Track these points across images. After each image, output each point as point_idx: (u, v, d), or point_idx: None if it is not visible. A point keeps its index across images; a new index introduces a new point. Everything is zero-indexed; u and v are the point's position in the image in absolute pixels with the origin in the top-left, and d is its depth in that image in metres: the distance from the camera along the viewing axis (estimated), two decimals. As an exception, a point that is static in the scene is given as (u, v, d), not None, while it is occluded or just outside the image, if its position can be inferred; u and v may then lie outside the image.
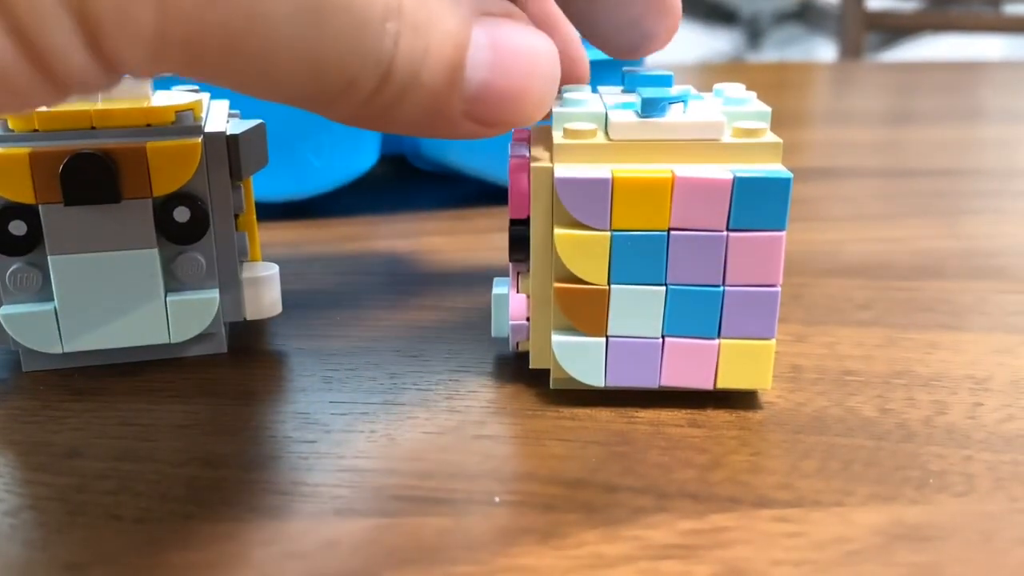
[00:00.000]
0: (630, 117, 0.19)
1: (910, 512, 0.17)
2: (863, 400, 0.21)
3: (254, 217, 0.24)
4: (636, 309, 0.20)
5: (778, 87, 0.69)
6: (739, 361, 0.20)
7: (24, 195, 0.20)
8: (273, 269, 0.24)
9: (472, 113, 0.16)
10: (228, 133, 0.22)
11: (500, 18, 0.16)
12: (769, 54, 1.83)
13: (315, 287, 0.28)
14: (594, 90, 0.22)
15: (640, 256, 0.19)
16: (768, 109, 0.20)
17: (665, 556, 0.16)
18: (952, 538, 0.16)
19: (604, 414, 0.20)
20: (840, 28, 1.37)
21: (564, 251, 0.19)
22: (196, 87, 0.24)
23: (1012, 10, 1.38)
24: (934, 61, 0.90)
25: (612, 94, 0.22)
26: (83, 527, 0.17)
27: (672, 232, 0.19)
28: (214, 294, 0.22)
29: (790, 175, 0.19)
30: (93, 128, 0.21)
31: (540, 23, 0.23)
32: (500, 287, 0.22)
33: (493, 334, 0.22)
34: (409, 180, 0.40)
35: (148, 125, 0.21)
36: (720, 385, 0.20)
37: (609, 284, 0.20)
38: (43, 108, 0.20)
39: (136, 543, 0.16)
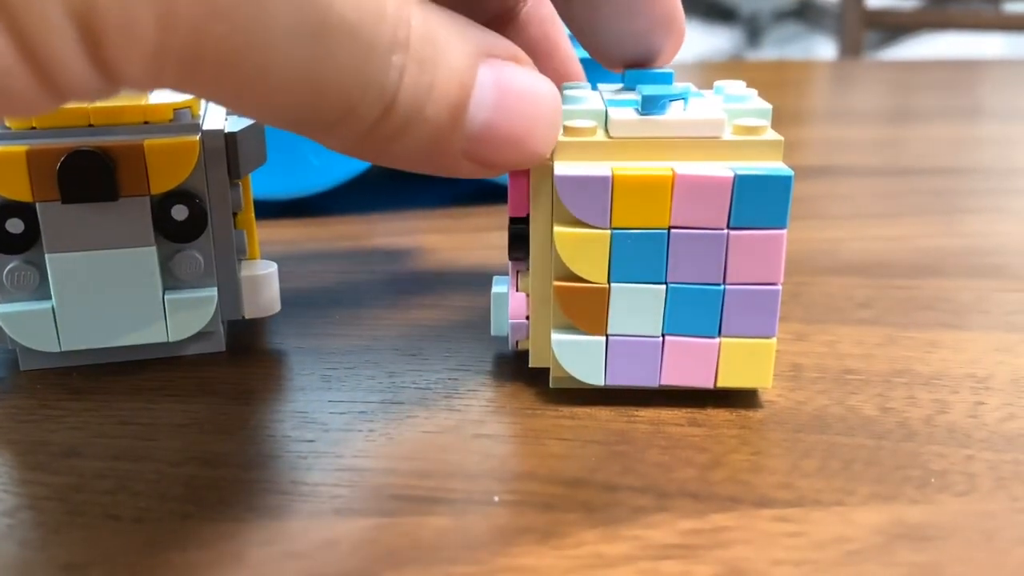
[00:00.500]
0: (630, 115, 0.19)
1: (911, 512, 0.17)
2: (864, 399, 0.21)
3: (252, 215, 0.24)
4: (636, 308, 0.20)
5: (777, 85, 0.69)
6: (740, 360, 0.20)
7: (21, 193, 0.20)
8: (271, 267, 0.24)
9: (473, 153, 0.16)
10: (226, 131, 0.22)
11: (506, 60, 0.16)
12: (768, 52, 1.83)
13: (314, 285, 0.28)
14: (594, 87, 0.22)
15: (640, 254, 0.19)
16: (769, 107, 0.20)
17: (665, 556, 0.16)
18: (953, 538, 0.16)
19: (604, 413, 0.20)
20: (840, 26, 1.37)
21: (564, 249, 0.19)
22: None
23: (1012, 8, 1.38)
24: (934, 59, 0.90)
25: (612, 91, 0.22)
26: (81, 527, 0.17)
27: (672, 230, 0.19)
28: (212, 292, 0.22)
29: (791, 173, 0.19)
30: (91, 126, 0.21)
31: (539, 44, 0.23)
32: (499, 286, 0.22)
33: (492, 332, 0.22)
34: (408, 178, 0.40)
35: (146, 123, 0.21)
36: (721, 384, 0.20)
37: (609, 282, 0.20)
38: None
39: (134, 543, 0.16)
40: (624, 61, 0.21)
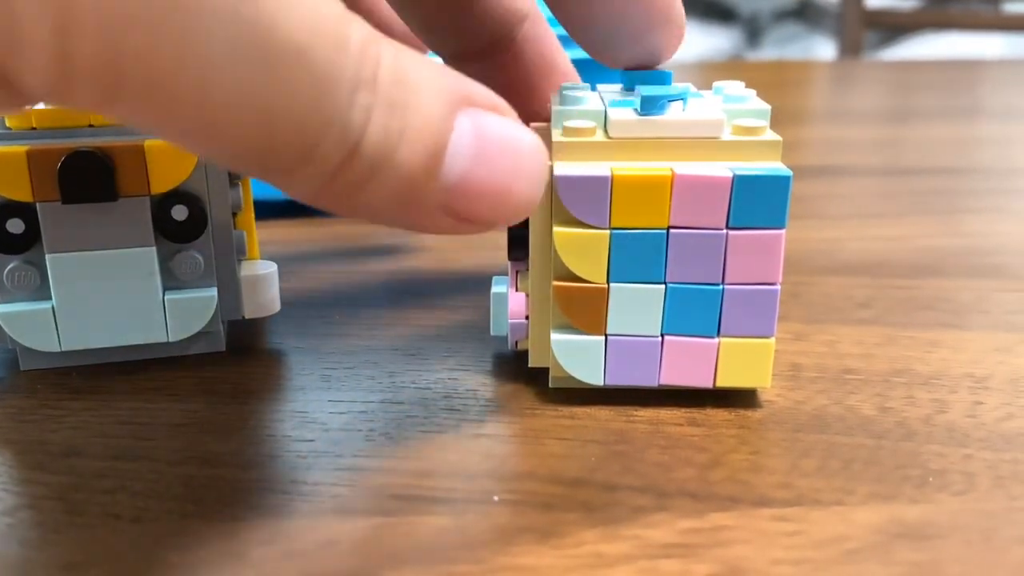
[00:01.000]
0: (629, 115, 0.19)
1: (910, 511, 0.17)
2: (863, 399, 0.21)
3: (252, 215, 0.24)
4: (635, 307, 0.20)
5: (777, 85, 0.69)
6: (739, 359, 0.20)
7: (21, 193, 0.20)
8: (271, 267, 0.24)
9: (450, 206, 0.15)
10: (226, 131, 0.22)
11: (486, 109, 0.15)
12: (768, 52, 1.83)
13: (313, 285, 0.28)
14: (593, 88, 0.22)
15: (639, 254, 0.19)
16: (767, 107, 0.20)
17: (664, 555, 0.16)
18: (952, 537, 0.16)
19: (603, 413, 0.20)
20: (839, 26, 1.37)
21: (563, 249, 0.19)
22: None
23: (1011, 8, 1.38)
24: (933, 59, 0.90)
25: (611, 92, 0.22)
26: (81, 526, 0.17)
27: (672, 230, 0.19)
28: (212, 292, 0.22)
29: (790, 173, 0.19)
30: (91, 126, 0.21)
31: (537, 65, 0.23)
32: (499, 286, 0.22)
33: (492, 332, 0.22)
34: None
35: (146, 123, 0.21)
36: (720, 384, 0.20)
37: (608, 283, 0.20)
38: (40, 106, 0.20)
39: (134, 542, 0.16)
40: (623, 60, 0.21)
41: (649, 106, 0.19)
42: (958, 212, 0.37)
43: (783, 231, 0.19)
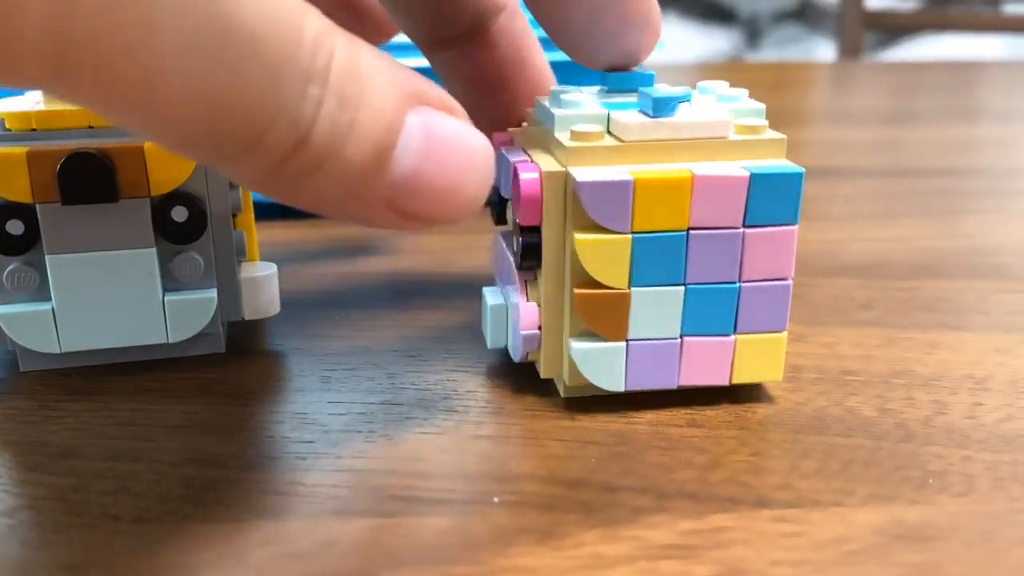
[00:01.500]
0: (638, 118, 0.19)
1: (909, 512, 0.17)
2: (863, 400, 0.21)
3: (252, 217, 0.24)
4: (656, 311, 0.20)
5: (777, 87, 0.69)
6: (753, 355, 0.20)
7: (21, 194, 0.20)
8: (271, 269, 0.24)
9: (396, 202, 0.15)
10: (226, 132, 0.22)
11: (439, 108, 0.15)
12: (768, 53, 1.83)
13: (313, 287, 0.28)
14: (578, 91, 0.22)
15: (660, 257, 0.19)
16: (762, 106, 0.20)
17: (664, 556, 0.16)
18: (951, 538, 0.16)
19: (603, 414, 0.20)
20: (839, 27, 1.37)
21: (585, 256, 0.19)
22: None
23: (1011, 10, 1.38)
24: (933, 61, 0.90)
25: (598, 94, 0.21)
26: (81, 527, 0.17)
27: (691, 231, 0.19)
28: (212, 294, 0.22)
29: (802, 169, 0.19)
30: (91, 127, 0.21)
31: (510, 58, 0.23)
32: (494, 297, 0.22)
33: (489, 346, 0.22)
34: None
35: (146, 124, 0.21)
36: (735, 380, 0.20)
37: (630, 287, 0.19)
38: (40, 107, 0.20)
39: (134, 543, 0.16)
40: (600, 60, 0.21)
41: (661, 108, 0.19)
42: (958, 213, 0.37)
43: (796, 227, 0.19)
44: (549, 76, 0.24)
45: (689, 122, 0.19)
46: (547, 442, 0.19)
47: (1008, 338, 0.24)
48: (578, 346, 0.20)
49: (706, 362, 0.20)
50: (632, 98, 0.21)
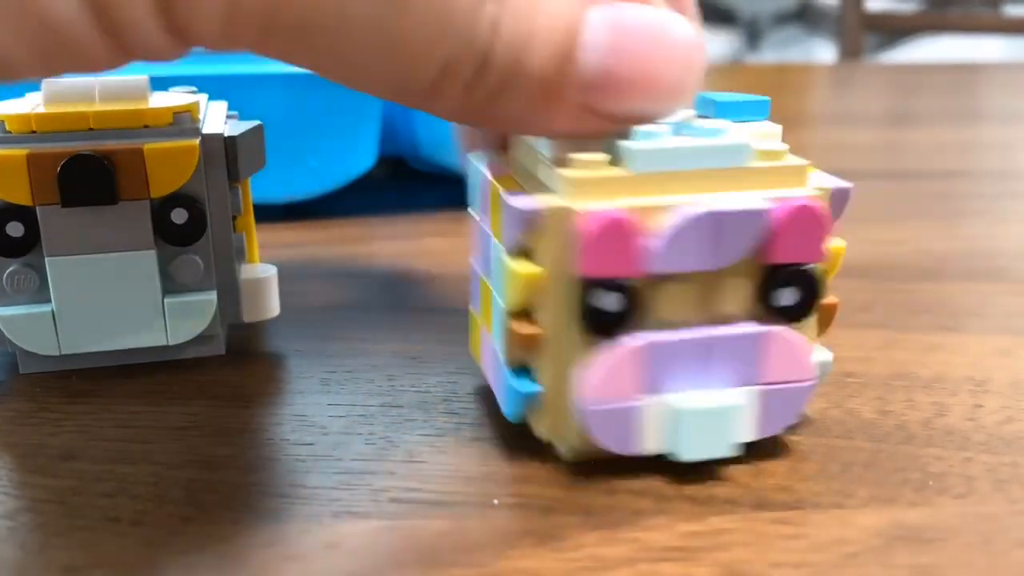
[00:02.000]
0: (647, 144, 0.17)
1: (910, 514, 0.17)
2: (863, 402, 0.21)
3: (252, 219, 0.24)
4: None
5: (777, 88, 0.69)
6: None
7: (21, 196, 0.20)
8: (271, 271, 0.24)
9: (593, 105, 0.15)
10: (226, 135, 0.22)
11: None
12: (768, 55, 1.83)
13: (313, 289, 0.28)
14: None
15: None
16: (778, 128, 0.19)
17: (664, 558, 0.16)
18: (952, 540, 0.16)
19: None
20: (839, 29, 1.37)
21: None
22: (194, 88, 0.24)
23: (1012, 11, 1.38)
24: (933, 62, 0.90)
25: None
26: (80, 530, 0.17)
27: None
28: (212, 296, 0.22)
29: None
30: (91, 129, 0.21)
31: None
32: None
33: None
34: (408, 182, 0.40)
35: (145, 127, 0.21)
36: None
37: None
38: (40, 109, 0.20)
39: (134, 546, 0.16)
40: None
41: (683, 128, 0.17)
42: (958, 215, 0.37)
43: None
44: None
45: (702, 149, 0.17)
46: (547, 444, 0.19)
47: (1008, 340, 0.24)
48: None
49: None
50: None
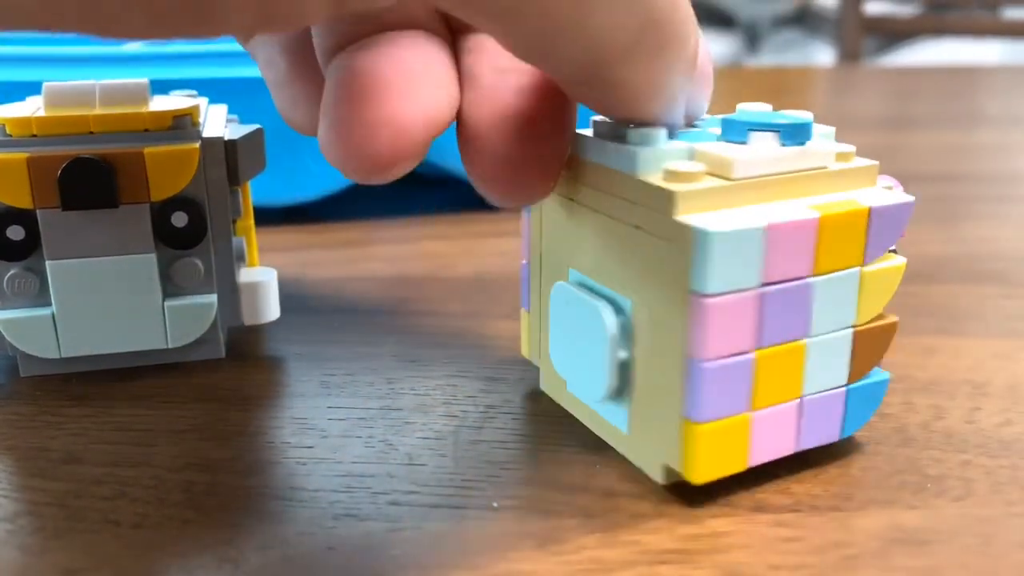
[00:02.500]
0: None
1: (908, 517, 0.17)
2: (861, 404, 0.21)
3: (252, 222, 0.24)
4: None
5: (777, 92, 0.69)
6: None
7: (22, 200, 0.20)
8: (271, 274, 0.24)
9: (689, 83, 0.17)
10: (226, 138, 0.22)
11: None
12: (767, 58, 1.83)
13: (313, 292, 0.28)
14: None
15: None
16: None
17: (663, 561, 0.16)
18: (950, 542, 0.16)
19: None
20: (838, 32, 1.37)
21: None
22: (194, 92, 0.24)
23: (1010, 15, 1.38)
24: (932, 66, 0.90)
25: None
26: (80, 532, 0.17)
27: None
28: (212, 299, 0.22)
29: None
30: (91, 133, 0.21)
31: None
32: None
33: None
34: (408, 185, 0.40)
35: (146, 130, 0.21)
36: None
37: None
38: (41, 113, 0.21)
39: (134, 548, 0.16)
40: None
41: (792, 135, 0.17)
42: (957, 218, 0.37)
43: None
44: None
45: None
46: (546, 447, 0.19)
47: (1007, 343, 0.25)
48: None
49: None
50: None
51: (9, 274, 0.21)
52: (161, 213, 0.21)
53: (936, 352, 0.24)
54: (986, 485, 0.18)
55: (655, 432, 0.18)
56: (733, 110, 0.19)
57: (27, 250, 0.21)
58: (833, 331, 0.18)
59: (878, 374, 0.19)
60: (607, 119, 0.18)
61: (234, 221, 0.23)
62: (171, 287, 0.22)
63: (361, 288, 0.29)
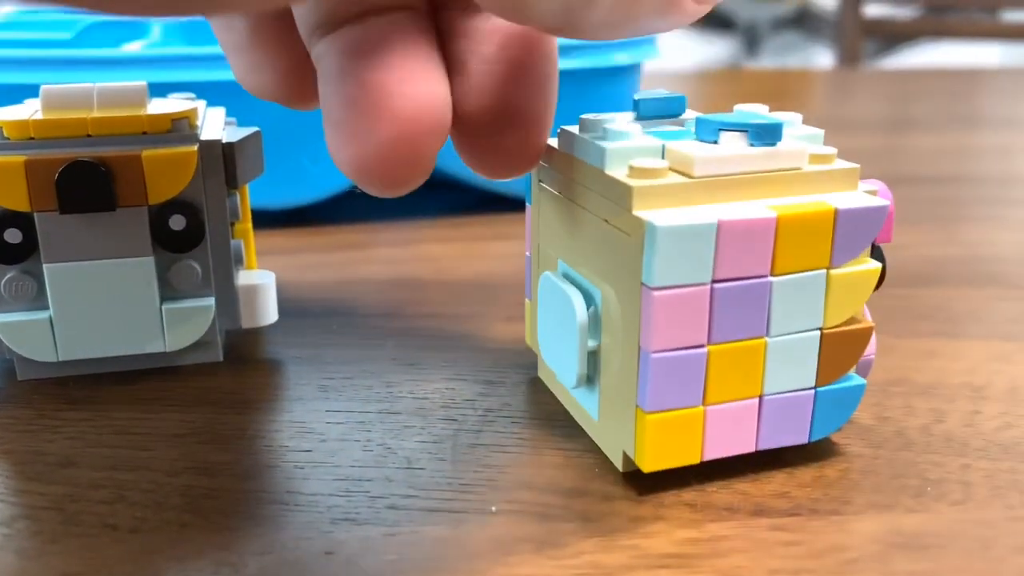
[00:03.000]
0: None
1: (907, 520, 0.17)
2: (861, 408, 0.21)
3: (250, 225, 0.24)
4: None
5: (776, 94, 0.69)
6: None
7: (19, 203, 0.20)
8: (269, 277, 0.24)
9: None
10: (224, 141, 0.22)
11: None
12: (767, 61, 1.83)
13: (312, 295, 0.28)
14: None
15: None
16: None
17: (662, 565, 0.16)
18: (950, 546, 0.16)
19: (601, 422, 0.20)
20: (838, 35, 1.37)
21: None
22: (192, 95, 0.24)
23: (1009, 17, 1.39)
24: (932, 68, 0.91)
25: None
26: (78, 536, 0.17)
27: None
28: (210, 302, 0.22)
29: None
30: (89, 136, 0.21)
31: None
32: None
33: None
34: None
35: (144, 133, 0.21)
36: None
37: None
38: (38, 116, 0.20)
39: (131, 552, 0.16)
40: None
41: (763, 136, 0.17)
42: (957, 221, 0.37)
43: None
44: None
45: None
46: (545, 451, 0.19)
47: (1006, 346, 0.24)
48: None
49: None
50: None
51: (6, 277, 0.21)
52: (159, 216, 0.21)
53: (935, 355, 0.24)
54: (986, 489, 0.18)
55: (618, 420, 0.18)
56: (732, 111, 0.20)
57: (25, 253, 0.21)
58: (797, 332, 0.18)
59: (853, 379, 0.19)
60: (591, 116, 0.19)
61: (232, 224, 0.23)
62: (169, 290, 0.22)
63: (360, 291, 0.29)
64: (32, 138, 0.20)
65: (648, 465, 0.17)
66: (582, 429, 0.20)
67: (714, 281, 0.17)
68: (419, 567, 0.16)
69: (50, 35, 0.37)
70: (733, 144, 0.18)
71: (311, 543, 0.16)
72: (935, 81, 0.78)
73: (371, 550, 0.16)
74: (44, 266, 0.21)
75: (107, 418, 0.21)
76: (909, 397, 0.22)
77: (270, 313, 0.24)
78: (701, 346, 0.17)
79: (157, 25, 0.38)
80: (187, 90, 0.28)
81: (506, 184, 0.36)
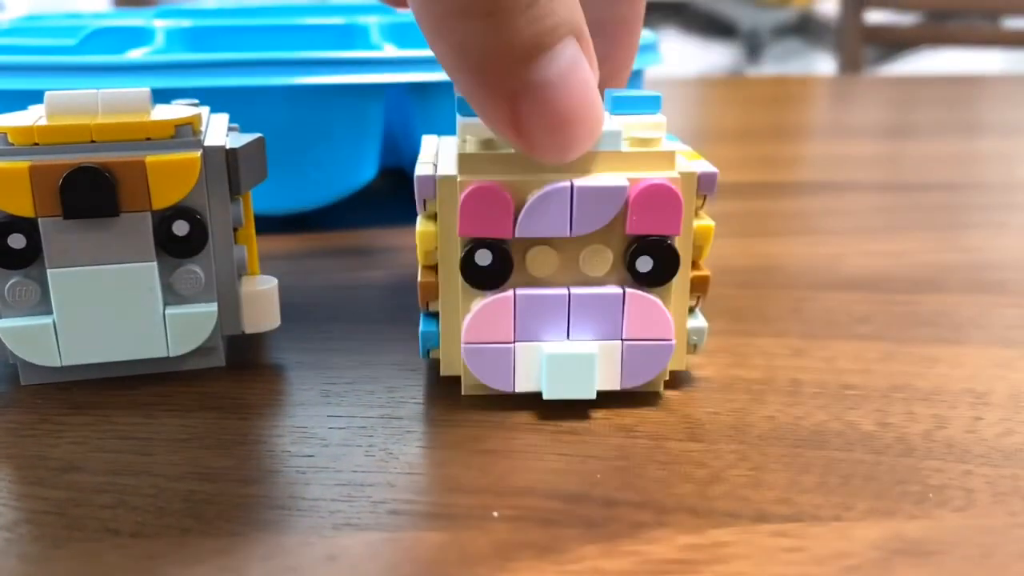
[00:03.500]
0: None
1: (909, 527, 0.17)
2: (862, 414, 0.21)
3: (253, 231, 0.24)
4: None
5: (778, 101, 0.70)
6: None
7: (23, 208, 0.20)
8: (272, 282, 0.24)
9: (519, 102, 0.17)
10: (227, 147, 0.22)
11: (588, 56, 0.17)
12: (768, 68, 1.84)
13: (314, 300, 0.28)
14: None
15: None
16: (663, 119, 0.20)
17: (664, 571, 0.16)
18: (952, 553, 0.16)
19: (603, 428, 0.20)
20: (839, 42, 1.38)
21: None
22: (196, 100, 0.24)
23: (1011, 24, 1.39)
24: (933, 75, 0.91)
25: None
26: (80, 541, 0.17)
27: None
28: (212, 308, 0.22)
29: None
30: (93, 142, 0.21)
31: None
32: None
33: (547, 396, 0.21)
34: (409, 193, 0.40)
35: (147, 139, 0.21)
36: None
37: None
38: (43, 122, 0.21)
39: (134, 557, 0.16)
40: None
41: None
42: (958, 227, 0.37)
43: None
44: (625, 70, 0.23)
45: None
46: (547, 456, 0.19)
47: (1008, 352, 0.24)
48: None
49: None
50: None
51: (10, 282, 0.21)
52: (162, 222, 0.21)
53: (937, 361, 0.24)
54: (988, 495, 0.18)
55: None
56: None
57: (28, 258, 0.21)
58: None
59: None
60: None
61: (235, 229, 0.23)
62: (172, 296, 0.22)
63: (362, 296, 0.29)
64: (36, 144, 0.21)
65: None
66: (584, 434, 0.20)
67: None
68: (421, 572, 0.16)
69: (54, 41, 0.37)
70: None
71: (313, 548, 0.16)
72: (936, 88, 0.78)
73: (373, 555, 0.16)
74: (48, 271, 0.21)
75: (109, 423, 0.21)
76: (911, 403, 0.22)
77: (273, 318, 0.24)
78: None
79: (161, 32, 0.38)
80: (191, 96, 0.28)
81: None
